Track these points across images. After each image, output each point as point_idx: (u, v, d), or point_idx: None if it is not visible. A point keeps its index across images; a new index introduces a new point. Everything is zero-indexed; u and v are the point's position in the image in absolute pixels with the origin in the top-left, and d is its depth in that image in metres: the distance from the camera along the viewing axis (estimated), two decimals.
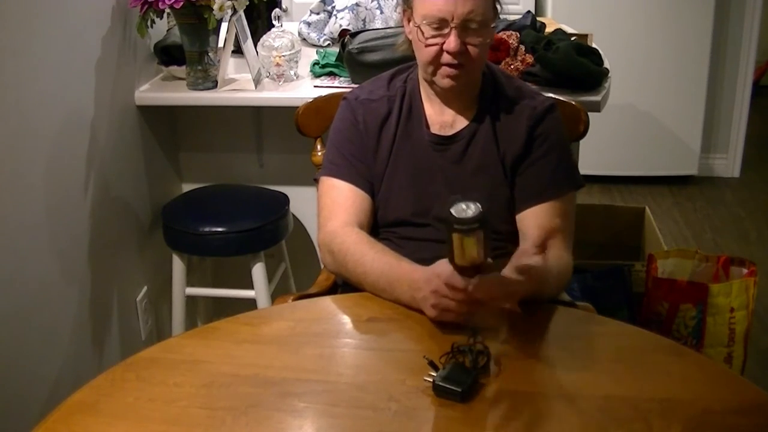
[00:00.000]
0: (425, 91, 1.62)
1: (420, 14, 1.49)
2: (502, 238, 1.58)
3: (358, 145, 1.62)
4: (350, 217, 1.56)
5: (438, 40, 1.48)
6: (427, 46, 1.50)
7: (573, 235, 1.59)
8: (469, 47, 1.49)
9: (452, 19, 1.46)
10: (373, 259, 1.45)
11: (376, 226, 1.63)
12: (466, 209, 1.16)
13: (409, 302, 1.37)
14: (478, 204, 1.16)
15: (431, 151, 1.60)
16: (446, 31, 1.47)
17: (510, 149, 1.58)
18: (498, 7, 1.54)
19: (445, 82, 1.53)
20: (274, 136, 2.55)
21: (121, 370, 1.23)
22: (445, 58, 1.50)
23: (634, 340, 1.32)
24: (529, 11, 2.46)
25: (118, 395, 1.17)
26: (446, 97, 1.59)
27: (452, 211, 1.16)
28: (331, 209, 1.59)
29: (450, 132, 1.60)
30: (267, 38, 2.30)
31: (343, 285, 1.63)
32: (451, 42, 1.47)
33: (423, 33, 1.49)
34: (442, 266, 1.29)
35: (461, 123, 1.60)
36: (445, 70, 1.51)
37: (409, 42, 1.58)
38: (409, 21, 1.55)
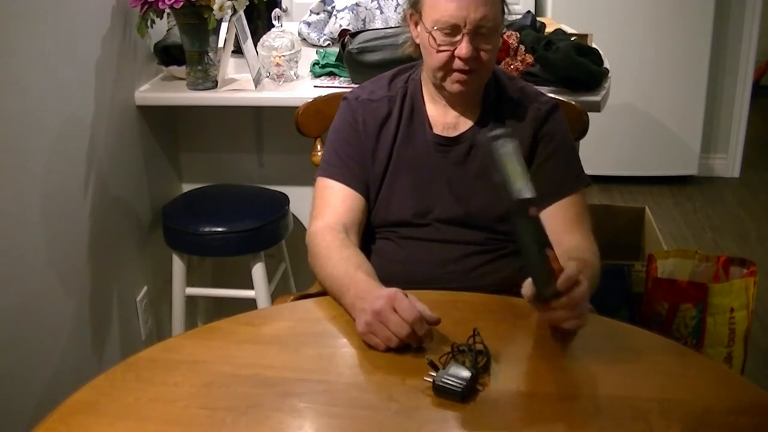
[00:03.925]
0: (429, 92, 1.61)
1: (431, 19, 1.47)
2: (503, 238, 1.58)
3: (356, 146, 1.61)
4: (337, 218, 1.55)
5: (450, 46, 1.47)
6: (438, 52, 1.48)
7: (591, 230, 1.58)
8: (481, 53, 1.48)
9: (465, 25, 1.44)
10: (335, 264, 1.41)
11: (370, 227, 1.62)
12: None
13: (349, 307, 1.32)
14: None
15: (434, 152, 1.59)
16: (458, 37, 1.46)
17: None
18: (506, 9, 1.53)
19: (455, 88, 1.52)
20: (274, 136, 2.55)
21: (121, 370, 1.23)
22: (457, 64, 1.48)
23: (634, 340, 1.32)
24: (529, 11, 2.46)
25: (118, 395, 1.17)
26: (452, 100, 1.59)
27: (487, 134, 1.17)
28: (320, 209, 1.58)
29: (453, 133, 1.59)
30: (267, 38, 2.30)
31: None
32: (463, 48, 1.45)
33: (434, 39, 1.47)
34: (398, 294, 1.24)
35: (465, 125, 1.59)
36: (455, 75, 1.50)
37: (413, 44, 1.57)
38: (416, 25, 1.53)
